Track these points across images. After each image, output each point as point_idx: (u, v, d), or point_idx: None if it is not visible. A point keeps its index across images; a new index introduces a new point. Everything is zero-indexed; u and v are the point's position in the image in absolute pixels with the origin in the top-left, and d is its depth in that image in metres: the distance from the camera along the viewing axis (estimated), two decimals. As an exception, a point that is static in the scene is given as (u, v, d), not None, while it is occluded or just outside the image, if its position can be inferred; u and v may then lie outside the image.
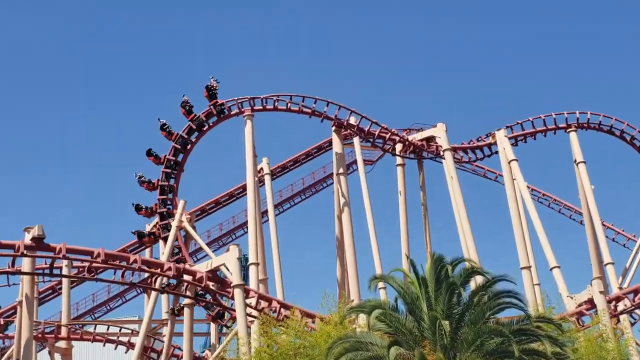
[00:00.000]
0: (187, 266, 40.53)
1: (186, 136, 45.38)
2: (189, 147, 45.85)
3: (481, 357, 20.84)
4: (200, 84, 46.05)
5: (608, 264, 44.87)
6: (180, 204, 44.95)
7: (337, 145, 47.56)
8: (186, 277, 38.72)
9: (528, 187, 49.53)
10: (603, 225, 49.34)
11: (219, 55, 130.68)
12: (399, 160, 52.15)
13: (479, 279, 24.94)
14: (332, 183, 51.99)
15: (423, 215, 53.78)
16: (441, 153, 49.04)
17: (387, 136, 49.29)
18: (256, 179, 45.26)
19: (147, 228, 51.70)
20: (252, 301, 38.35)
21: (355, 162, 51.01)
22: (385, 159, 55.06)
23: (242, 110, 45.80)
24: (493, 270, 23.51)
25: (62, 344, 45.50)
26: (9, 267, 36.61)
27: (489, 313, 22.48)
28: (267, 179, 48.88)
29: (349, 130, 48.72)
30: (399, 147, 51.05)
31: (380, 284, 38.04)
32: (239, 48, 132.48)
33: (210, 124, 46.02)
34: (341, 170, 47.14)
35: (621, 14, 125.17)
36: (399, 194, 52.10)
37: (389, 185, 55.01)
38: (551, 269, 42.47)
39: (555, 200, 58.25)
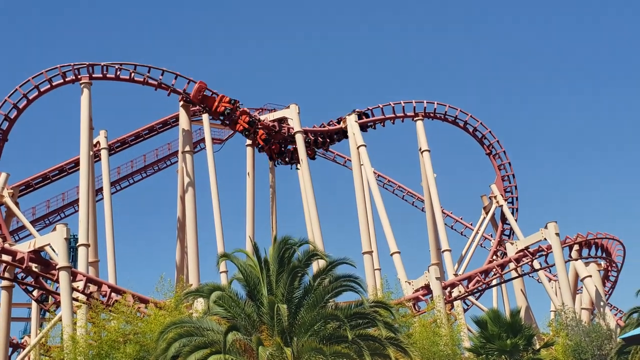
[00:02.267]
0: (6, 245, 36.89)
1: (12, 102, 41.51)
2: (14, 115, 41.95)
3: (317, 341, 20.17)
4: (35, 43, 42.30)
5: (445, 250, 46.15)
6: (2, 176, 41.26)
7: (184, 122, 45.38)
8: (5, 257, 35.34)
9: (375, 173, 49.99)
10: (443, 213, 50.77)
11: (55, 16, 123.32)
12: (249, 140, 50.86)
13: (322, 263, 24.26)
14: (177, 161, 49.80)
15: (270, 198, 52.95)
16: (292, 135, 48.22)
17: (238, 115, 47.77)
18: (91, 153, 42.30)
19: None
20: (80, 285, 35.69)
21: (203, 140, 49.12)
22: (235, 138, 53.60)
23: (79, 77, 42.52)
24: (336, 255, 22.98)
25: None
26: None
27: (327, 296, 22.04)
28: (103, 154, 45.83)
29: (198, 106, 46.68)
30: (249, 127, 49.66)
31: (222, 268, 36.78)
32: (82, 9, 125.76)
33: (41, 90, 42.35)
34: (187, 148, 45.00)
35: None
36: (247, 174, 50.89)
37: (238, 166, 53.65)
38: (392, 255, 42.97)
39: (399, 187, 59.58)
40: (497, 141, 53.59)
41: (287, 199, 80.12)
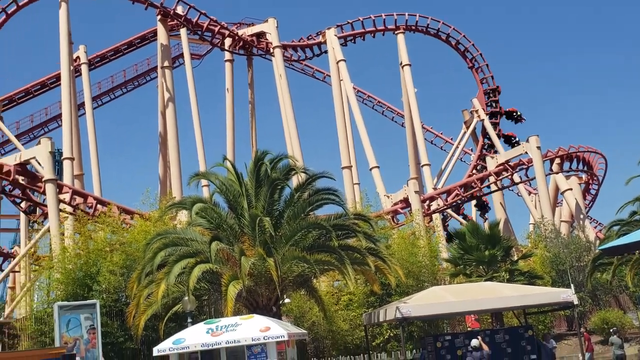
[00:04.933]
0: (-8, 158, 37.26)
1: (-10, 16, 40.86)
2: (-7, 28, 41.41)
3: (299, 251, 20.79)
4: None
5: (425, 165, 46.86)
6: (-16, 90, 40.99)
7: (162, 36, 44.96)
8: (-10, 170, 35.63)
9: (354, 88, 50.08)
10: (423, 128, 51.24)
11: None
12: (227, 55, 50.57)
13: (301, 178, 24.72)
14: (157, 76, 49.60)
15: (250, 113, 53.16)
16: (271, 50, 48.02)
17: (217, 29, 47.35)
18: (72, 68, 42.03)
19: (-55, 116, 47.12)
20: (66, 197, 36.25)
21: (181, 55, 48.77)
22: (213, 54, 53.20)
23: (56, -10, 41.74)
24: (316, 169, 23.37)
25: None
26: None
27: (308, 209, 22.38)
28: (84, 68, 45.58)
29: (175, 21, 46.14)
30: (228, 41, 49.38)
31: (204, 182, 37.31)
32: None
33: (19, 4, 41.63)
34: (166, 64, 44.81)
35: None
36: (227, 90, 50.83)
37: (217, 82, 53.45)
38: (371, 169, 43.64)
39: (379, 102, 59.74)
40: (480, 54, 53.60)
41: (267, 115, 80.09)
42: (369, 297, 30.20)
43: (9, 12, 41.82)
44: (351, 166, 45.06)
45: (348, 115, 47.04)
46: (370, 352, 26.61)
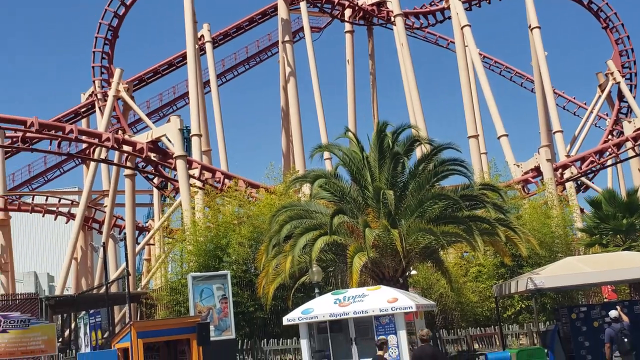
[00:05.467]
0: (126, 137, 39.03)
1: (119, -1, 42.59)
2: (122, 11, 43.06)
3: (425, 222, 20.36)
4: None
5: (557, 132, 44.64)
6: (117, 72, 42.85)
7: (282, 11, 45.14)
8: (126, 147, 37.41)
9: (480, 54, 48.48)
10: (554, 93, 48.92)
11: None
12: (347, 26, 50.22)
13: (425, 148, 24.19)
14: (278, 52, 50.09)
15: (371, 85, 52.70)
16: (392, 19, 47.15)
17: (336, 0, 47.06)
18: (197, 46, 43.04)
19: (83, 98, 49.72)
20: (196, 172, 37.46)
21: (302, 29, 48.88)
22: (333, 25, 53.01)
23: (180, -30, 42.79)
24: (440, 140, 22.77)
25: (-2, 214, 44.33)
26: None
27: (433, 180, 21.87)
28: (208, 47, 46.65)
29: (294, -6, 46.25)
30: (348, 12, 49.00)
31: (326, 155, 37.41)
32: None
33: (147, -14, 43.11)
34: (287, 38, 45.01)
35: None
36: (347, 62, 50.58)
37: (337, 54, 53.43)
38: (499, 138, 42.13)
39: (507, 67, 57.65)
40: (615, 13, 50.53)
41: (389, 85, 79.27)
42: (499, 268, 29.44)
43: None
44: (478, 135, 43.66)
45: (474, 82, 45.59)
46: (501, 323, 25.90)
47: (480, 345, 27.41)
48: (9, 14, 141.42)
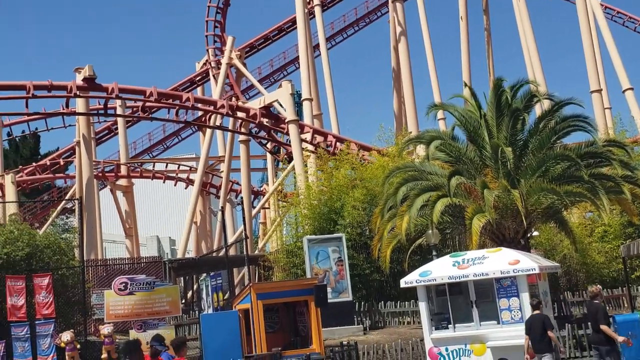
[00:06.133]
0: (240, 103, 39.72)
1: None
2: (233, -22, 43.61)
3: (547, 182, 19.55)
4: None
5: (686, 83, 41.76)
6: (229, 40, 43.51)
7: (391, -31, 44.29)
8: (240, 114, 38.06)
9: (601, 4, 45.76)
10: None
11: None
12: (462, -18, 48.62)
13: (545, 105, 23.14)
14: (387, 12, 49.26)
15: (486, 41, 50.98)
16: (506, -28, 45.27)
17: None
18: (306, 10, 42.98)
19: (197, 67, 50.93)
20: (307, 136, 37.67)
21: (412, -13, 47.71)
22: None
23: None
24: (561, 95, 21.70)
25: (122, 181, 46.53)
26: (63, 108, 36.40)
27: (554, 138, 20.94)
28: (317, 10, 46.45)
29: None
30: (459, -33, 47.45)
31: (439, 115, 36.65)
32: None
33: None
34: (397, -3, 44.16)
35: None
36: (460, 19, 49.02)
37: (449, 11, 51.99)
38: (624, 92, 39.84)
39: (630, 18, 54.17)
40: None
41: (504, 41, 76.37)
42: (627, 228, 28.13)
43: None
44: (601, 89, 41.38)
45: (595, 34, 43.17)
46: (630, 285, 24.73)
47: (608, 308, 26.32)
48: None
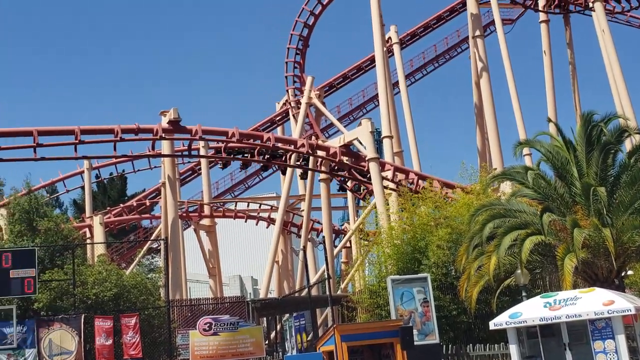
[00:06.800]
0: (320, 142, 39.95)
1: (309, 9, 43.74)
2: (312, 21, 44.22)
3: (640, 220, 18.70)
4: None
5: None
6: (309, 80, 44.01)
7: (471, 5, 43.96)
8: (320, 152, 38.26)
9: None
10: None
11: None
12: (542, 16, 47.83)
13: (636, 139, 22.30)
14: (468, 48, 48.90)
15: (571, 76, 49.74)
16: (590, 5, 44.17)
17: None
18: (385, 49, 43.09)
19: (277, 107, 51.68)
20: (389, 174, 37.41)
21: (492, 22, 47.30)
22: (526, 16, 50.77)
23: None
24: (653, 130, 20.82)
25: (206, 221, 47.30)
26: (149, 151, 37.45)
27: (649, 173, 20.05)
28: (396, 48, 46.59)
29: (488, -12, 44.89)
30: (541, 1, 46.75)
31: (525, 151, 35.67)
32: None
33: (333, -4, 44.03)
34: (477, 33, 43.73)
35: None
36: (544, 53, 48.10)
37: (532, 46, 51.15)
38: None
39: None
40: None
41: (590, 74, 74.45)
42: None
43: (324, 3, 44.40)
44: (696, 121, 39.63)
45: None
46: None
47: None
48: (217, 37, 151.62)
